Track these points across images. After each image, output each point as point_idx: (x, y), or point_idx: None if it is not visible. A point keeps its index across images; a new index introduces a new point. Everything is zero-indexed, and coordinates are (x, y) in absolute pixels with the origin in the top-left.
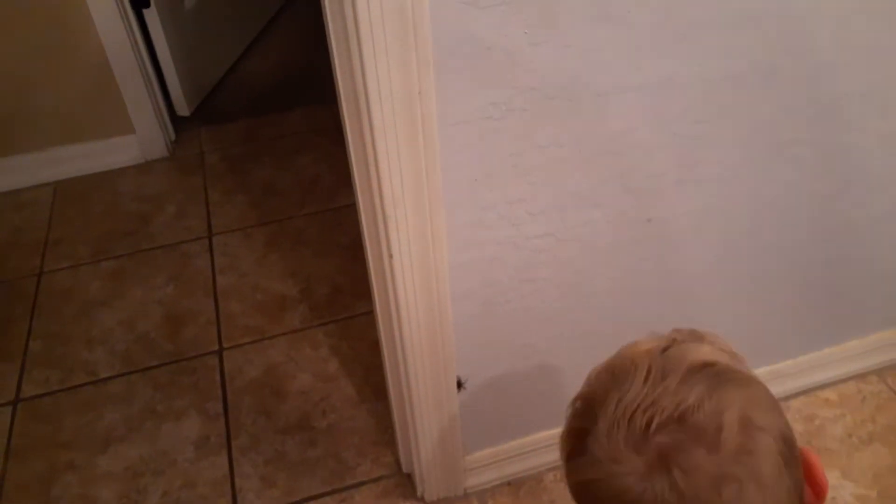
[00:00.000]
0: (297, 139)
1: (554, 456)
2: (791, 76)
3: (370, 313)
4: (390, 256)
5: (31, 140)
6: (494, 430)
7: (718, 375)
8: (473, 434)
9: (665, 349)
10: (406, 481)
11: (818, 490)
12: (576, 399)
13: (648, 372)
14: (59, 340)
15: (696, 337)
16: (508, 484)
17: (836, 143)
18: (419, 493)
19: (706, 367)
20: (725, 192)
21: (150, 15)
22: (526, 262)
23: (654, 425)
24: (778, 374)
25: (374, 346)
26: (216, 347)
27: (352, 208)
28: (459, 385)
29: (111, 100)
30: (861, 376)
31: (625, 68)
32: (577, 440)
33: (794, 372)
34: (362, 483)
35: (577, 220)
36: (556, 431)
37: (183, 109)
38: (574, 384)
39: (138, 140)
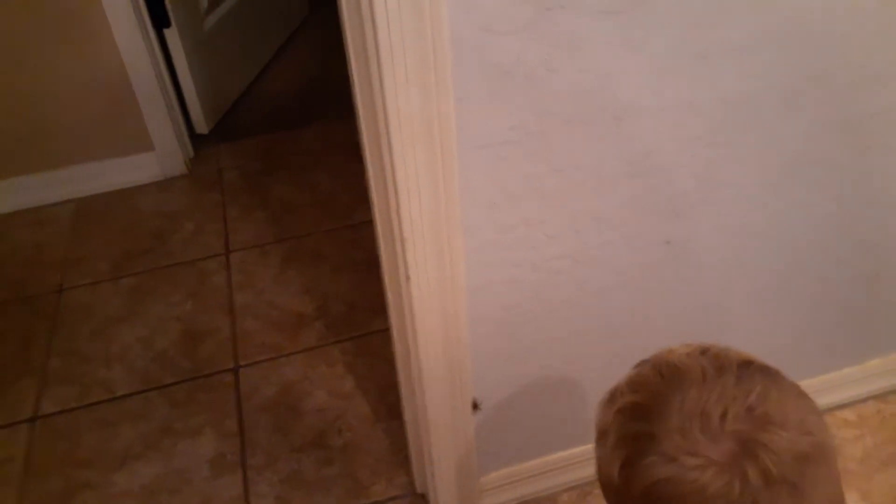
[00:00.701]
0: (313, 156)
1: (569, 476)
2: (811, 97)
3: (386, 331)
4: (408, 279)
5: (52, 157)
6: (510, 450)
7: (766, 370)
8: (488, 455)
9: (703, 351)
10: (420, 501)
11: None
12: (621, 410)
13: (703, 371)
14: (78, 357)
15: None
16: None
17: (855, 163)
18: None
19: (751, 363)
20: (744, 213)
21: (171, 34)
22: (543, 283)
23: (728, 416)
24: None
25: (390, 363)
26: (232, 365)
27: (368, 225)
28: (475, 406)
29: (131, 118)
30: (881, 396)
31: (643, 92)
32: (637, 444)
33: (814, 391)
34: (377, 503)
35: (595, 241)
36: (572, 452)
37: (202, 127)
38: (591, 405)
39: (157, 157)
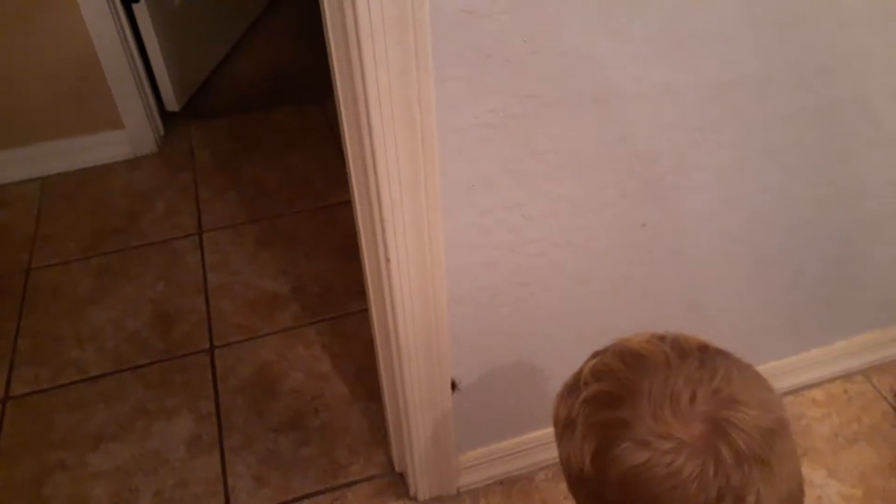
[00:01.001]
0: (287, 136)
1: (545, 455)
2: (785, 84)
3: (362, 312)
4: (387, 260)
5: (19, 135)
6: (487, 429)
7: (723, 353)
8: (466, 434)
9: (661, 338)
10: (399, 480)
11: None
12: (587, 400)
13: (666, 356)
14: (48, 338)
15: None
16: (500, 483)
17: (827, 149)
18: (412, 493)
19: (708, 347)
20: (719, 198)
21: (140, 9)
22: (521, 266)
23: (698, 398)
24: (766, 375)
25: (367, 344)
26: (207, 346)
27: (343, 207)
28: (454, 386)
29: (100, 94)
30: (847, 376)
31: (623, 77)
32: (609, 431)
33: (782, 372)
34: (355, 482)
35: (573, 224)
36: (548, 431)
37: (172, 105)
38: None
39: (127, 135)
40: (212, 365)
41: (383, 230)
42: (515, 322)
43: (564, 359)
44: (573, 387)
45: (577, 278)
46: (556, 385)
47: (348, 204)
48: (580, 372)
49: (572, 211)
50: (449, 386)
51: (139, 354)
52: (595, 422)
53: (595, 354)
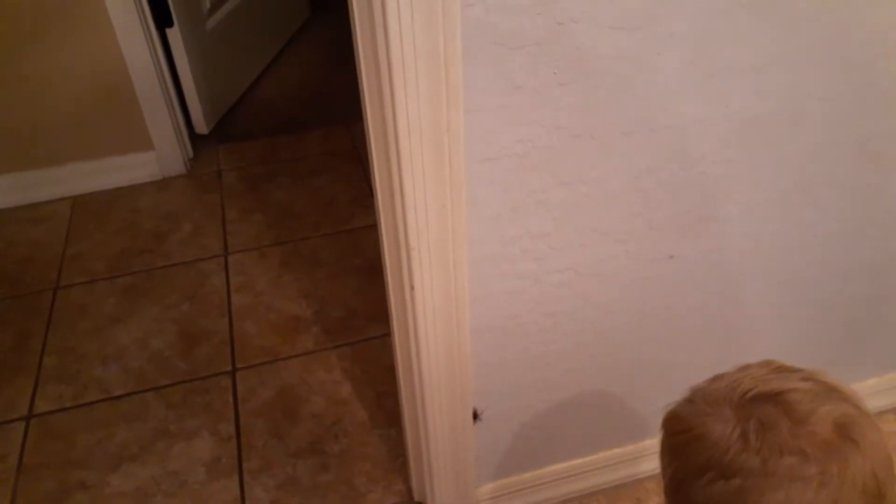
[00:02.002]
0: (313, 160)
1: (568, 489)
2: (819, 118)
3: (384, 336)
4: (412, 288)
5: (51, 154)
6: (508, 461)
7: (830, 386)
8: (487, 465)
9: None
10: None
11: None
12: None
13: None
14: (73, 356)
15: None
16: None
17: (860, 184)
18: None
19: (826, 382)
20: (748, 231)
21: (173, 33)
22: (546, 296)
23: (751, 394)
24: None
25: (388, 369)
26: (229, 368)
27: (367, 231)
28: (475, 416)
29: (131, 116)
30: (879, 414)
31: (652, 109)
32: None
33: None
34: None
35: (599, 255)
36: (571, 464)
37: (202, 128)
38: (590, 418)
39: (157, 157)
40: (233, 387)
41: (409, 257)
42: (539, 353)
43: (588, 391)
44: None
45: (603, 309)
46: (579, 417)
47: (372, 228)
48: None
49: (599, 241)
50: (471, 416)
51: (162, 375)
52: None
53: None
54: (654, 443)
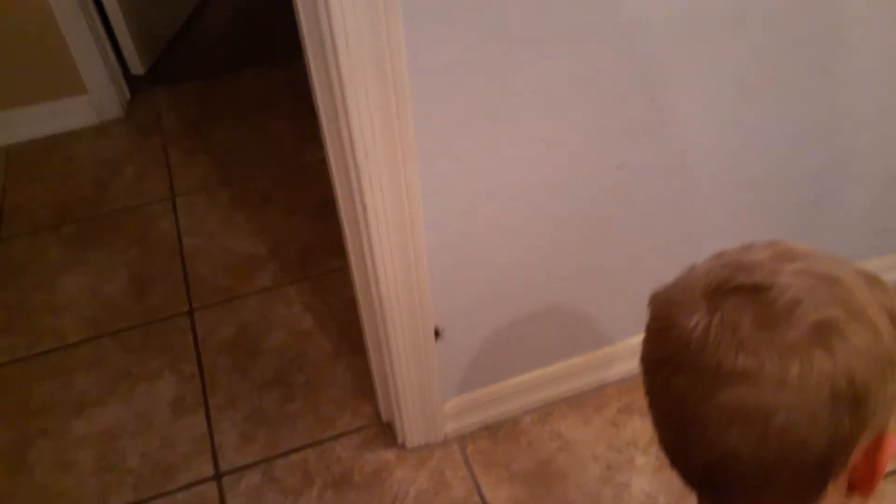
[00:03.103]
0: (254, 98)
1: (531, 398)
2: (759, 19)
3: (342, 269)
4: (364, 209)
5: None
6: (472, 376)
7: (828, 279)
8: (451, 381)
9: None
10: (386, 430)
11: (869, 477)
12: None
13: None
14: (22, 308)
15: None
16: (487, 428)
17: (803, 84)
18: (400, 441)
19: (828, 277)
20: (695, 137)
21: None
22: (500, 211)
23: (730, 284)
24: None
25: (348, 302)
26: (186, 308)
27: (316, 166)
28: (437, 334)
29: (59, 57)
30: None
31: (598, 13)
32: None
33: None
34: (343, 434)
35: (551, 167)
36: (532, 375)
37: (137, 68)
38: (550, 329)
39: (91, 100)
40: (192, 326)
41: (359, 178)
42: (496, 268)
43: (546, 304)
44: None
45: (556, 222)
46: (538, 329)
47: (321, 163)
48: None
49: (550, 153)
50: (432, 334)
51: (117, 319)
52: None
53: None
54: (612, 350)
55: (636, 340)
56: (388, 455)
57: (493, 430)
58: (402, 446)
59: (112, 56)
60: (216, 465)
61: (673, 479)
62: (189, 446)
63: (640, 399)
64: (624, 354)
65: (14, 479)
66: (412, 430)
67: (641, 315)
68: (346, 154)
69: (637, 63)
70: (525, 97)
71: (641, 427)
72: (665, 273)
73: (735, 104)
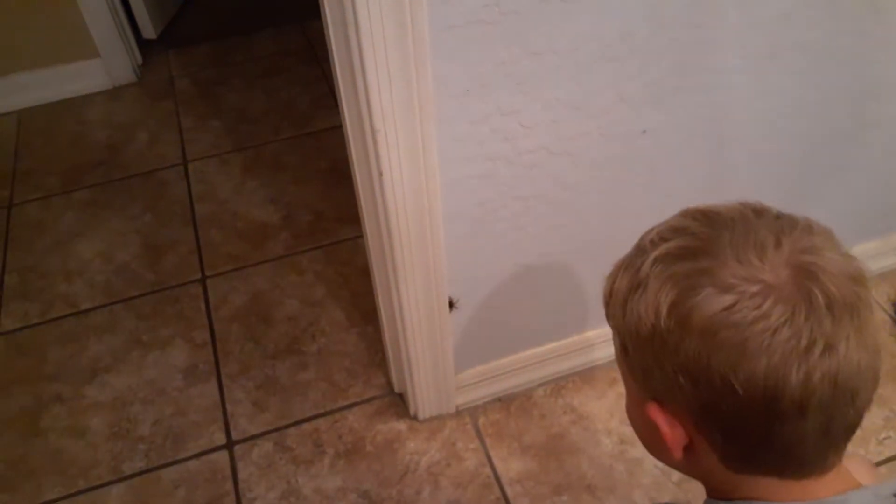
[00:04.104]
0: (267, 62)
1: (543, 372)
2: None
3: (355, 238)
4: (380, 174)
5: None
6: (485, 347)
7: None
8: (464, 352)
9: (739, 202)
10: (398, 401)
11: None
12: (659, 258)
13: (741, 211)
14: (35, 273)
15: None
16: (499, 400)
17: (832, 47)
18: (412, 412)
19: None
20: (721, 101)
21: None
22: (518, 178)
23: (783, 244)
24: None
25: (361, 270)
26: (199, 276)
27: (329, 132)
28: (451, 305)
29: (72, 22)
30: None
31: None
32: (690, 280)
33: None
34: (355, 404)
35: (571, 132)
36: (546, 347)
37: (149, 32)
38: (565, 301)
39: (104, 64)
40: (204, 294)
41: (375, 142)
42: (513, 238)
43: (562, 275)
44: (635, 256)
45: (575, 189)
46: (553, 301)
47: (335, 129)
48: (642, 242)
49: (571, 117)
50: (447, 304)
51: (130, 286)
52: (671, 274)
53: (651, 229)
54: None
55: None
56: (400, 426)
57: (505, 402)
58: (414, 417)
59: (124, 19)
60: (228, 434)
61: None
62: (201, 414)
63: None
64: None
65: (28, 444)
66: (424, 401)
67: None
68: (363, 116)
69: (663, 23)
70: (547, 58)
71: None
72: None
73: (763, 67)
